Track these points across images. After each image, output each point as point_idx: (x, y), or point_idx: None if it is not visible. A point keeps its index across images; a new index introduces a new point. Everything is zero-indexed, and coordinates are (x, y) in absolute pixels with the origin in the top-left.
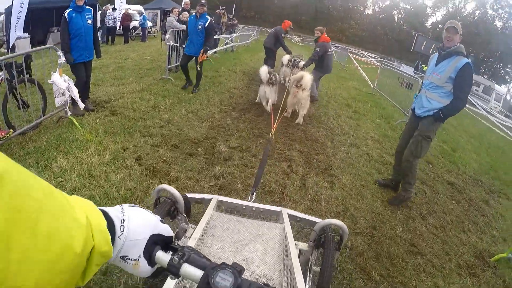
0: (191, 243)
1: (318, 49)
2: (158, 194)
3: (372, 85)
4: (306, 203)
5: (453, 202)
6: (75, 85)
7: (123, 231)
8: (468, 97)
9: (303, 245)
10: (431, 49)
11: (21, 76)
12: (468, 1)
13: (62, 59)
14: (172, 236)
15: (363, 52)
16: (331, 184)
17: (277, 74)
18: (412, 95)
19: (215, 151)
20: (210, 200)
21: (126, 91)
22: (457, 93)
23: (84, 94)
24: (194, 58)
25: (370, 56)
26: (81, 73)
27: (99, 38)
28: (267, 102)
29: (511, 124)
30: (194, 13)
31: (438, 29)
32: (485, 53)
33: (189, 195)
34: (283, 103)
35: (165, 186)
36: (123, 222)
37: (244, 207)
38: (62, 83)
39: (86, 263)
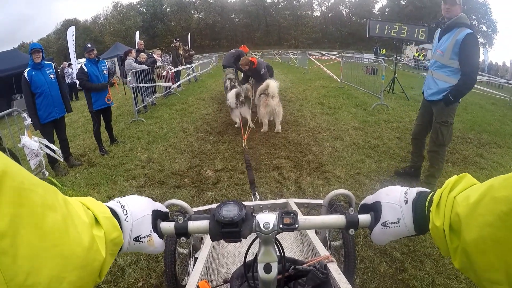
0: (208, 249)
1: (263, 70)
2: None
3: (338, 79)
4: None
5: (449, 164)
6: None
7: (126, 214)
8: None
9: None
10: (385, 30)
11: None
12: None
13: (28, 120)
14: (168, 212)
15: (322, 52)
16: (326, 180)
17: (242, 89)
18: (379, 78)
19: (202, 177)
20: None
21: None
22: (464, 68)
23: (65, 153)
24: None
25: (330, 54)
26: (50, 137)
27: None
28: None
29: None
30: (90, 59)
31: (386, 13)
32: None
33: (195, 208)
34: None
35: (173, 201)
36: (123, 207)
37: (251, 207)
38: (33, 144)
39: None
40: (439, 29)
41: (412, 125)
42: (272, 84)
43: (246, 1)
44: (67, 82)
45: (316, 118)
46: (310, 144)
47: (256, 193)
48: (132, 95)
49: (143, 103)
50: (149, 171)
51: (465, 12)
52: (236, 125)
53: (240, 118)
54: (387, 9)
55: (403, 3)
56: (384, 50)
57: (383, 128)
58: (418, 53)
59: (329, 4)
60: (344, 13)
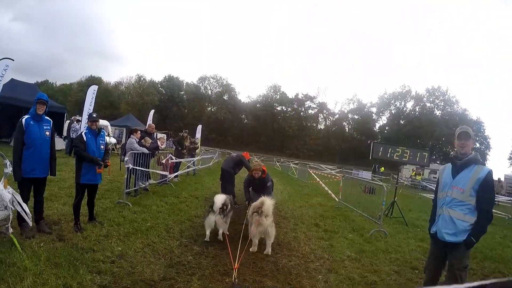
0: None
1: (269, 183)
2: None
3: (336, 199)
4: None
5: None
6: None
7: None
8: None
9: None
10: (388, 154)
11: None
12: (407, 100)
13: (9, 169)
14: None
15: (321, 165)
16: None
17: (230, 204)
18: (377, 199)
19: None
20: None
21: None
22: (484, 206)
23: (37, 215)
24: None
25: (328, 168)
26: (27, 193)
27: (63, 148)
28: (211, 231)
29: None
30: (91, 129)
31: (385, 131)
32: (432, 141)
33: None
34: (243, 233)
35: None
36: None
37: None
38: (6, 195)
39: None
40: (449, 165)
41: (411, 256)
42: (267, 203)
43: (257, 105)
44: (71, 137)
45: (310, 243)
46: (301, 275)
47: None
48: (126, 176)
49: (135, 186)
50: (117, 270)
51: None
52: (205, 238)
53: (221, 231)
54: (386, 128)
55: (402, 122)
56: (383, 168)
57: (381, 260)
58: (414, 172)
59: (334, 119)
60: (347, 128)
